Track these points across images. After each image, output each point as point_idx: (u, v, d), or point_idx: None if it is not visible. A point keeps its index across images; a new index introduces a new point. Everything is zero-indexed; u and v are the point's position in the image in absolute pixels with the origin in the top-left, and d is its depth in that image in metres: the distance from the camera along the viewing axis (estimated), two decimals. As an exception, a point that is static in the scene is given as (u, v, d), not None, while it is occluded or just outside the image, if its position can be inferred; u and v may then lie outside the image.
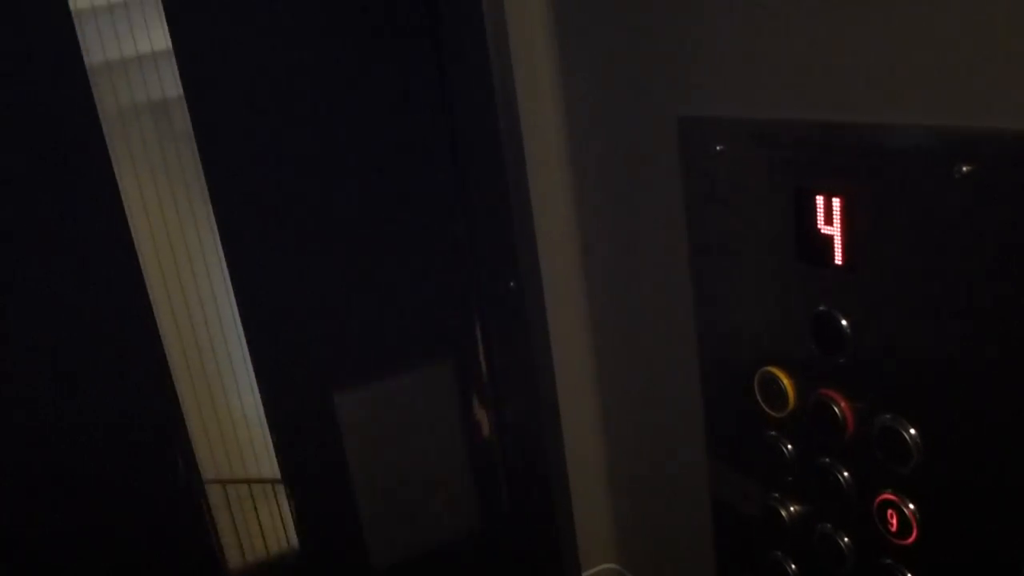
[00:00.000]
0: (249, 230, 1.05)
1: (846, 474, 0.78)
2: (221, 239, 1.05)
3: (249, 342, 1.09)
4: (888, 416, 0.72)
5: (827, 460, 0.79)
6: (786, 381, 0.81)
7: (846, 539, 0.80)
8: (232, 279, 1.06)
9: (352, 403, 1.15)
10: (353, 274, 1.11)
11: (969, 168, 0.60)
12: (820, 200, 0.72)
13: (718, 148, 0.82)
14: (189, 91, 0.98)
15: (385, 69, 1.07)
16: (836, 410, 0.76)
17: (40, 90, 0.92)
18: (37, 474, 0.99)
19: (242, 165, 1.03)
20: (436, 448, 1.22)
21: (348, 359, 1.14)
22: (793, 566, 0.88)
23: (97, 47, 0.93)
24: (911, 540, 0.73)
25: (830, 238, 0.72)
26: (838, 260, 0.72)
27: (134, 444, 1.04)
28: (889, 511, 0.74)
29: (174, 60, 0.97)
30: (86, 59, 0.91)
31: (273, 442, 1.13)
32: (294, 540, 1.19)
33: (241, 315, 1.08)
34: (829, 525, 0.82)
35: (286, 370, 1.11)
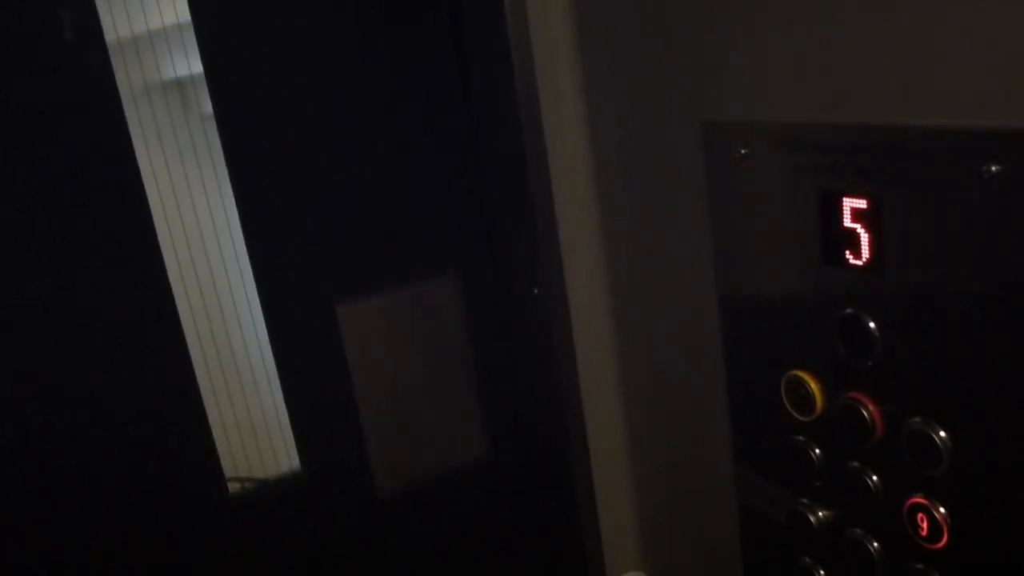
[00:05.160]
0: (271, 225, 1.06)
1: (875, 478, 0.77)
2: (244, 236, 1.06)
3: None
4: (918, 419, 0.71)
5: (856, 464, 0.79)
6: (813, 385, 0.81)
7: (875, 544, 0.80)
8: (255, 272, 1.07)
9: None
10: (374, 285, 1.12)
11: (998, 168, 0.60)
12: (846, 202, 0.72)
13: (742, 151, 0.82)
14: (211, 78, 0.99)
15: (409, 79, 1.07)
16: (864, 413, 0.76)
17: (60, 68, 0.92)
18: (55, 475, 1.00)
19: (265, 157, 1.04)
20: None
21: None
22: (822, 572, 0.88)
23: (122, 22, 0.94)
24: (942, 544, 0.72)
25: (856, 240, 0.72)
26: (865, 262, 0.72)
27: (154, 441, 1.04)
28: (919, 515, 0.73)
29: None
30: (107, 35, 0.92)
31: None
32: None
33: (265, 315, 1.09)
34: (858, 530, 0.81)
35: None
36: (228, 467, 1.11)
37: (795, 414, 0.84)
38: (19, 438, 0.97)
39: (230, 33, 0.99)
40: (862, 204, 0.71)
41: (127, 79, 0.96)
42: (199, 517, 1.09)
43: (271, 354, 1.11)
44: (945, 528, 0.71)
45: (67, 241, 0.95)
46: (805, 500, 0.86)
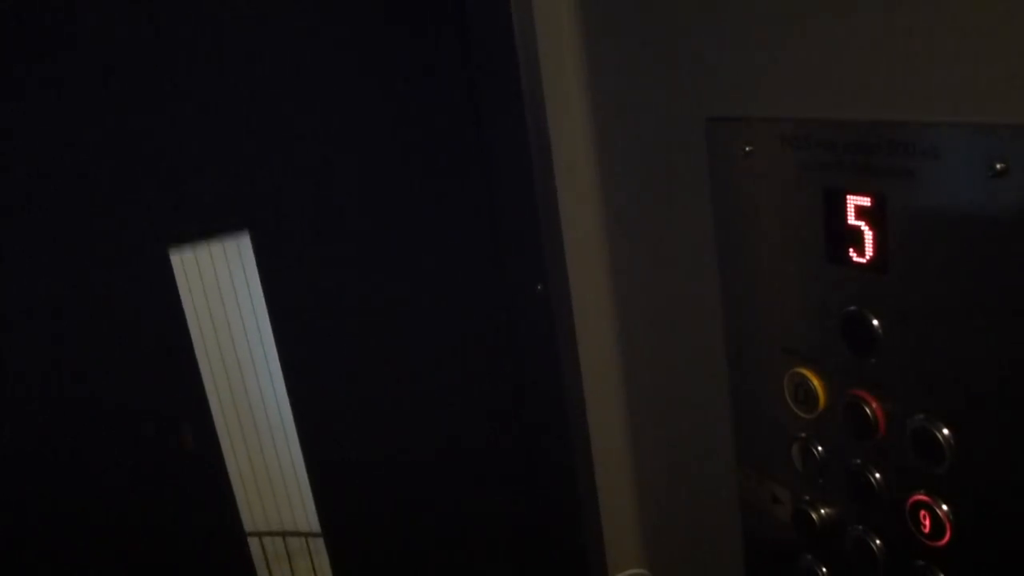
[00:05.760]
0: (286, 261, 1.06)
1: (878, 475, 0.77)
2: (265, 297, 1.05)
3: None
4: (921, 416, 0.71)
5: (858, 462, 0.79)
6: (816, 382, 0.81)
7: (878, 541, 0.80)
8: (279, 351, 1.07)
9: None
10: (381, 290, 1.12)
11: (1003, 165, 0.60)
12: (850, 199, 0.72)
13: (747, 148, 0.82)
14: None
15: (413, 79, 1.07)
16: (867, 411, 0.76)
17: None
18: (74, 526, 0.98)
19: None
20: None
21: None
22: (824, 570, 0.88)
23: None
24: (944, 541, 0.72)
25: (860, 238, 0.72)
26: (869, 260, 0.72)
27: (175, 492, 1.03)
28: (922, 512, 0.73)
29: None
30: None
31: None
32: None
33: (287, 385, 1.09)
34: (861, 527, 0.81)
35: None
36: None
37: (798, 411, 0.84)
38: (35, 502, 0.96)
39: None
40: (866, 202, 0.71)
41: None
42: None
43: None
44: (948, 525, 0.72)
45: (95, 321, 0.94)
46: (807, 498, 0.86)
